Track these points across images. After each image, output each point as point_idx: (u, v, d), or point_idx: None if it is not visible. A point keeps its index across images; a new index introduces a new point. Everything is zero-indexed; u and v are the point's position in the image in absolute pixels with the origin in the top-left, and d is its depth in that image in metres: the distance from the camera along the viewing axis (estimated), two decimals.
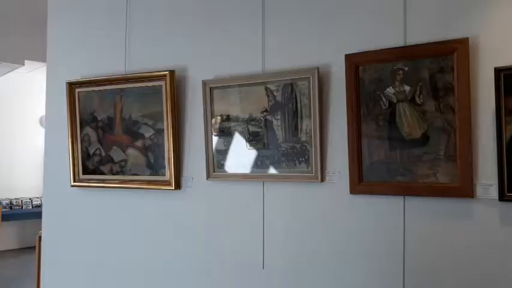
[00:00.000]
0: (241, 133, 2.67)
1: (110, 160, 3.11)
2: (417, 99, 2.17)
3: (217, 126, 2.73)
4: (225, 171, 2.71)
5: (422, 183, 2.15)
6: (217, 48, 2.79)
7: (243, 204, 2.68)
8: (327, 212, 2.42)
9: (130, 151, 3.03)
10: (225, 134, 2.71)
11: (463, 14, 2.11)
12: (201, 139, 2.77)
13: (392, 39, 2.26)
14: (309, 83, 2.44)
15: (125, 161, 3.05)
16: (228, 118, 2.70)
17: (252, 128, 2.64)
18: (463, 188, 2.05)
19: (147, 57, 3.04)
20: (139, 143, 2.99)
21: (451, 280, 2.11)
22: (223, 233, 2.73)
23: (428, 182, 2.14)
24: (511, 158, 1.96)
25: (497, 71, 1.97)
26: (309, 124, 2.45)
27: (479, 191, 2.04)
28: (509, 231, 1.99)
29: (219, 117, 2.72)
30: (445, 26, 2.14)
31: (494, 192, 2.00)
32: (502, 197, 1.97)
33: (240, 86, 2.66)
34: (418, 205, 2.19)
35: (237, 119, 2.68)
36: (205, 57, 2.83)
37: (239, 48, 2.72)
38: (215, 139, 2.73)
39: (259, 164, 2.60)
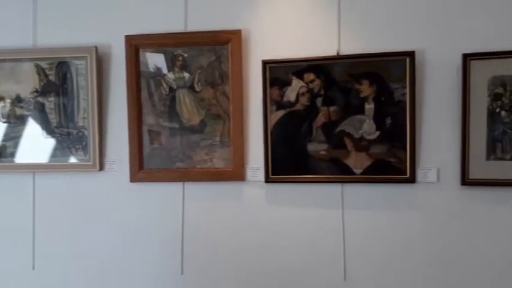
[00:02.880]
0: (7, 116, 2.29)
1: None
2: (196, 86, 2.20)
3: None
4: None
5: (200, 168, 2.20)
6: None
7: (7, 200, 2.31)
8: (106, 202, 2.28)
9: None
10: None
11: (239, 6, 2.21)
12: None
13: (173, 25, 2.24)
14: (87, 62, 2.23)
15: None
16: None
17: (19, 111, 2.29)
18: (235, 172, 2.18)
19: None
20: None
21: (227, 257, 2.23)
22: None
23: (206, 167, 2.20)
24: (275, 144, 2.15)
25: (264, 63, 2.13)
26: (86, 108, 2.25)
27: (249, 174, 2.20)
28: (273, 208, 2.20)
29: None
30: (223, 16, 2.21)
31: (261, 175, 2.18)
32: (267, 179, 2.16)
33: (4, 61, 2.27)
34: (196, 190, 2.24)
35: (1, 99, 2.28)
36: None
37: (4, 18, 2.32)
38: None
39: (28, 152, 2.28)
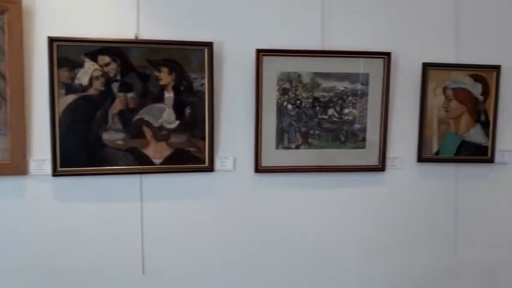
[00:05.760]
0: None
1: None
2: None
3: None
4: None
5: None
6: None
7: None
8: None
9: None
10: None
11: None
12: None
13: None
14: None
15: None
16: None
17: None
18: (15, 164, 1.88)
19: None
20: None
21: (8, 265, 1.92)
22: None
23: None
24: (64, 132, 1.92)
25: (51, 40, 1.88)
26: None
27: (32, 167, 1.92)
28: (63, 205, 1.98)
29: None
30: None
31: (47, 168, 1.93)
32: (54, 173, 1.92)
33: None
34: None
35: None
36: None
37: None
38: None
39: None
